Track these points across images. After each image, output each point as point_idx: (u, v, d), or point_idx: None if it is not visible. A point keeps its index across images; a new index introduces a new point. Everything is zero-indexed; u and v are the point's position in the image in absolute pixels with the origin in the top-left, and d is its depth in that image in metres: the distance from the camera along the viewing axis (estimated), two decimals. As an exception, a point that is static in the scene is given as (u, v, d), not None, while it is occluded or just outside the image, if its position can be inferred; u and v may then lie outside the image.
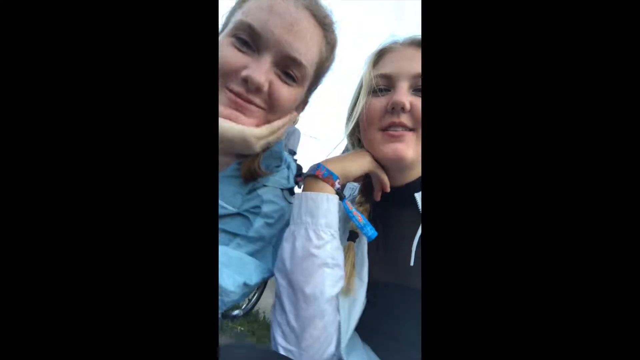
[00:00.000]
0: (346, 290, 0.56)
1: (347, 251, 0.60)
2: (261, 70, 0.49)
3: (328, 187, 0.56)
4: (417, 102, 0.56)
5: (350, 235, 0.63)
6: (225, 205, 0.58)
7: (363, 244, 0.62)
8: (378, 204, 0.66)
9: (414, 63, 0.57)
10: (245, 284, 0.53)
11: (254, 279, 0.55)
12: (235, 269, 0.53)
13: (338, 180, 0.56)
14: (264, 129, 0.53)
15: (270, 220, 0.60)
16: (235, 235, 0.57)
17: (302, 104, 0.64)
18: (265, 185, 0.62)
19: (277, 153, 0.65)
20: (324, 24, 0.54)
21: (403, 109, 0.55)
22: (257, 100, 0.51)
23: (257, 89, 0.50)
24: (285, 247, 0.54)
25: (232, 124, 0.50)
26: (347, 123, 0.67)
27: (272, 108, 0.53)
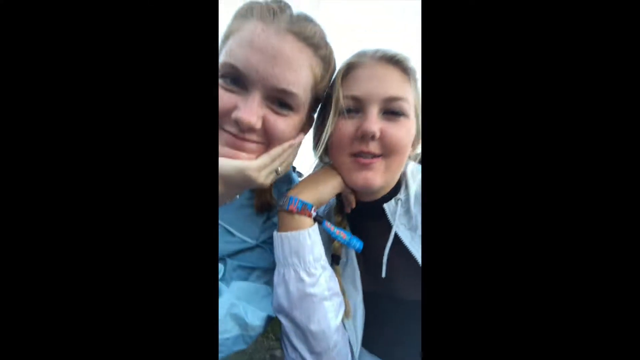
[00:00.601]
0: (346, 313, 0.57)
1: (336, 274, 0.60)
2: (251, 110, 0.48)
3: (306, 219, 0.54)
4: (388, 127, 0.54)
5: (332, 259, 0.62)
6: (244, 238, 0.58)
7: (350, 259, 0.62)
8: (350, 218, 0.66)
9: (384, 84, 0.55)
10: (268, 317, 0.54)
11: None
12: (257, 304, 0.54)
13: (313, 208, 0.55)
14: (263, 159, 0.51)
15: None
16: (253, 269, 0.57)
17: (307, 125, 0.62)
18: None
19: (287, 177, 0.64)
20: (312, 44, 0.51)
21: (373, 137, 0.53)
22: (254, 137, 0.50)
23: (250, 129, 0.49)
24: (279, 292, 0.53)
25: (227, 161, 0.49)
26: (315, 144, 0.63)
27: (270, 142, 0.52)
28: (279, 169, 0.54)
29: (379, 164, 0.55)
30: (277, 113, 0.50)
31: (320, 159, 0.67)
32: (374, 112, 0.54)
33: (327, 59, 0.55)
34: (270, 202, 0.60)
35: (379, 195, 0.62)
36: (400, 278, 0.57)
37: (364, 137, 0.53)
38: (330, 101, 0.58)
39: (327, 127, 0.56)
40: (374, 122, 0.53)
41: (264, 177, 0.52)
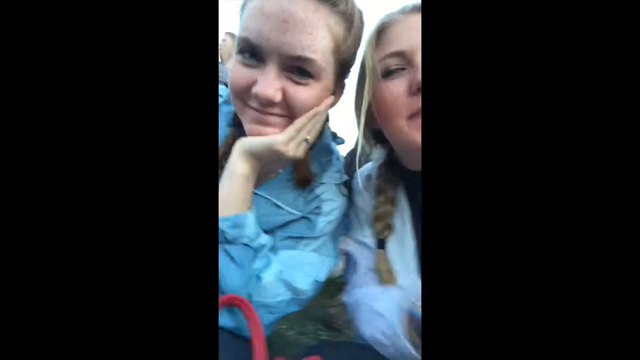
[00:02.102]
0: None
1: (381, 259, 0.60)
2: (268, 83, 0.46)
3: None
4: None
5: (378, 243, 0.61)
6: (291, 210, 0.61)
7: (404, 239, 0.61)
8: (410, 188, 0.62)
9: None
10: (316, 281, 0.58)
11: (322, 275, 0.59)
12: (304, 269, 0.57)
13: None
14: (289, 131, 0.51)
15: (331, 218, 0.62)
16: (301, 238, 0.60)
17: (339, 89, 0.59)
18: (322, 183, 0.63)
19: (325, 146, 0.64)
20: (329, 0, 0.47)
21: None
22: (277, 110, 0.49)
23: (270, 103, 0.48)
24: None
25: (254, 138, 0.50)
26: (357, 116, 0.59)
27: (294, 113, 0.50)
28: (308, 138, 0.54)
29: None
30: (297, 83, 0.48)
31: (365, 137, 0.63)
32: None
33: (348, 15, 0.50)
34: (308, 176, 0.60)
35: None
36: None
37: (421, 88, 0.49)
38: (364, 69, 0.55)
39: (365, 96, 0.54)
40: None
41: (294, 149, 0.52)
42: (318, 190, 0.62)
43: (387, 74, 0.53)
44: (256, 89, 0.47)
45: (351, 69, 0.59)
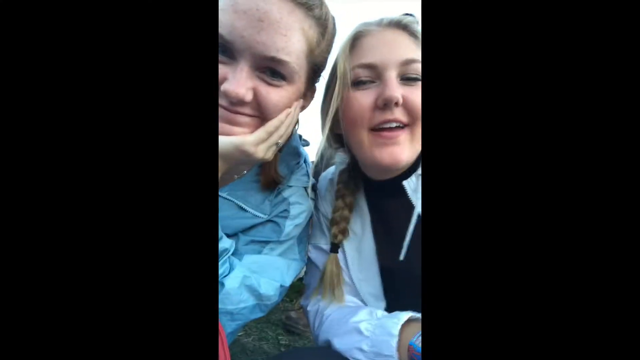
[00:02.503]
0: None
1: (330, 265, 0.61)
2: (239, 82, 0.45)
3: None
4: (409, 93, 0.50)
5: (332, 247, 0.63)
6: (256, 213, 0.59)
7: (367, 233, 0.62)
8: (371, 194, 0.64)
9: (399, 48, 0.51)
10: (281, 286, 0.57)
11: (287, 280, 0.58)
12: (270, 274, 0.56)
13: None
14: (259, 133, 0.49)
15: (299, 221, 0.61)
16: (267, 242, 0.59)
17: (308, 95, 0.58)
18: (289, 186, 0.62)
19: (293, 149, 0.63)
20: (304, 3, 0.46)
21: (397, 103, 0.50)
22: (246, 110, 0.47)
23: (240, 102, 0.46)
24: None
25: (224, 137, 0.47)
26: (323, 120, 0.60)
27: (265, 115, 0.49)
28: (280, 142, 0.53)
29: (404, 136, 0.52)
30: (269, 84, 0.47)
31: (328, 141, 0.63)
32: (392, 77, 0.51)
33: (322, 21, 0.50)
34: (276, 178, 0.59)
35: (399, 173, 0.59)
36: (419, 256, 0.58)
37: (387, 104, 0.50)
38: (335, 74, 0.55)
39: (333, 102, 0.54)
40: (396, 88, 0.50)
41: (264, 152, 0.50)
42: (286, 193, 0.61)
43: (357, 83, 0.53)
44: (226, 87, 0.45)
45: (322, 74, 0.59)
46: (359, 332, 0.52)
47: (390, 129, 0.52)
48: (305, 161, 0.67)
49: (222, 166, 0.49)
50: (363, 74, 0.53)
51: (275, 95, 0.48)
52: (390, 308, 0.60)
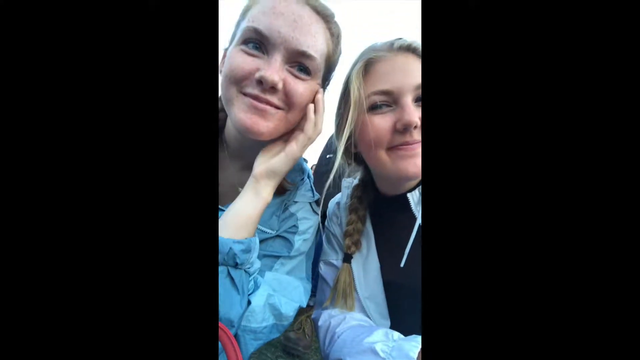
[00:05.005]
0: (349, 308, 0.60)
1: (344, 273, 0.63)
2: (274, 69, 0.49)
3: None
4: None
5: (345, 257, 0.64)
6: (265, 229, 0.59)
7: (372, 251, 0.64)
8: (375, 212, 0.67)
9: (412, 73, 0.55)
10: (299, 307, 0.57)
11: (304, 301, 0.58)
12: (289, 294, 0.56)
13: None
14: (302, 140, 0.55)
15: (307, 236, 0.62)
16: (277, 257, 0.59)
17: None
18: (295, 202, 0.63)
19: (298, 165, 0.64)
20: (326, 17, 0.54)
21: (416, 127, 0.54)
22: (275, 100, 0.51)
23: (273, 88, 0.50)
24: None
25: (273, 160, 0.54)
26: (338, 139, 0.62)
27: (289, 106, 0.53)
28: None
29: (420, 148, 0.56)
30: (296, 77, 0.52)
31: (343, 159, 0.65)
32: (409, 102, 0.54)
33: (336, 37, 0.57)
34: (285, 186, 0.61)
35: (409, 187, 0.62)
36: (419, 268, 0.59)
37: (407, 128, 0.54)
38: (346, 98, 0.58)
39: (347, 125, 0.57)
40: (413, 112, 0.54)
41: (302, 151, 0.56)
42: (293, 209, 0.62)
43: (373, 107, 0.57)
44: (262, 74, 0.49)
45: (328, 84, 0.64)
46: (375, 353, 0.51)
47: (408, 142, 0.55)
48: (309, 176, 0.69)
49: (274, 184, 0.54)
50: (379, 100, 0.56)
51: (301, 87, 0.52)
52: (394, 326, 0.61)
